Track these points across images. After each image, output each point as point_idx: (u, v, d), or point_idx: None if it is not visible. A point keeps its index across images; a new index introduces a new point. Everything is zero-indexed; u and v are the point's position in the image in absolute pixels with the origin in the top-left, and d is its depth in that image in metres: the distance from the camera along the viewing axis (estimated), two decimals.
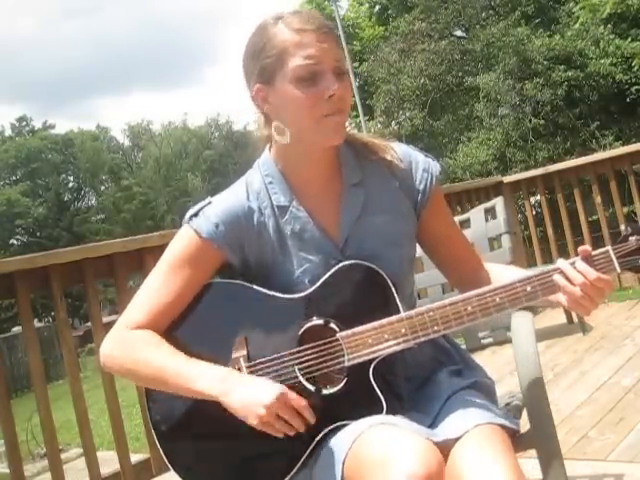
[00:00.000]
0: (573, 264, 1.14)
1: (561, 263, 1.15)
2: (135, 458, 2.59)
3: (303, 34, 1.15)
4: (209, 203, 1.25)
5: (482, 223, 1.93)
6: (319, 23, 1.17)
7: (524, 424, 1.30)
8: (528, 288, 1.15)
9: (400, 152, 1.29)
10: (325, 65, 1.15)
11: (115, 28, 72.26)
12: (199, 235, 1.22)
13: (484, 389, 1.28)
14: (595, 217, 5.41)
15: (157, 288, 1.23)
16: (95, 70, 69.06)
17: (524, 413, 1.34)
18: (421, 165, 1.29)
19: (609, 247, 1.14)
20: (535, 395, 1.28)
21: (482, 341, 1.87)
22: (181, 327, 1.23)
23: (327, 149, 1.24)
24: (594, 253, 1.14)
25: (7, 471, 2.27)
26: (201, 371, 1.14)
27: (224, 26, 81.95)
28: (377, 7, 20.10)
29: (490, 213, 1.94)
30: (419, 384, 1.26)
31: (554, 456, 1.27)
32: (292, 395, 1.11)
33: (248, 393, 1.10)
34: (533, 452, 1.27)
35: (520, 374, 1.31)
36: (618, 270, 1.14)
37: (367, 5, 20.49)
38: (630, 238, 1.14)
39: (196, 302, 1.24)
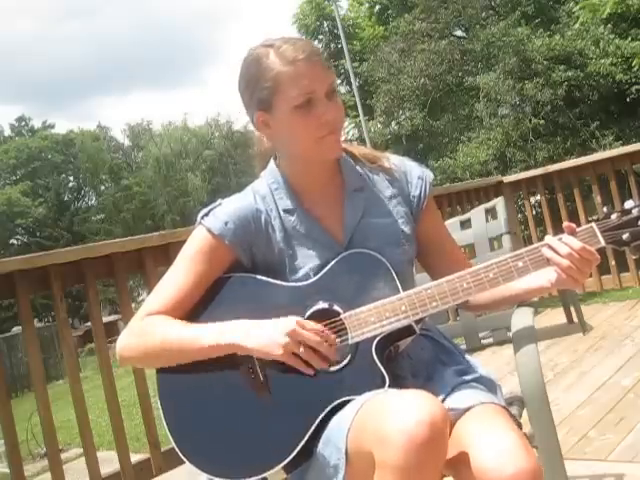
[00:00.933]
0: (560, 239, 1.22)
1: (548, 238, 1.23)
2: (135, 458, 2.59)
3: (295, 65, 1.22)
4: (219, 204, 1.33)
5: (483, 223, 1.93)
6: (309, 50, 1.24)
7: (524, 424, 1.30)
8: (520, 263, 1.22)
9: (395, 161, 1.39)
10: (318, 92, 1.23)
11: (115, 28, 72.34)
12: (210, 233, 1.29)
13: (487, 384, 1.31)
14: (595, 217, 5.40)
15: (171, 283, 1.30)
16: (95, 70, 69.17)
17: (524, 413, 1.35)
18: (415, 173, 1.38)
19: (593, 223, 1.23)
20: (535, 395, 1.28)
21: (482, 341, 1.87)
22: (192, 316, 1.29)
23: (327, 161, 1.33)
24: (579, 229, 1.22)
25: (7, 471, 2.27)
26: (216, 328, 1.22)
27: (224, 26, 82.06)
28: (377, 7, 20.13)
29: (491, 213, 1.94)
30: (424, 380, 1.29)
31: (554, 456, 1.27)
32: (309, 322, 1.19)
33: (267, 329, 1.18)
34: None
35: (520, 374, 1.31)
36: (602, 243, 1.21)
37: (367, 5, 20.51)
38: (612, 215, 1.22)
39: (207, 294, 1.30)
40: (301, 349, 1.16)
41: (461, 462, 1.08)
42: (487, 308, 1.42)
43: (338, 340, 1.21)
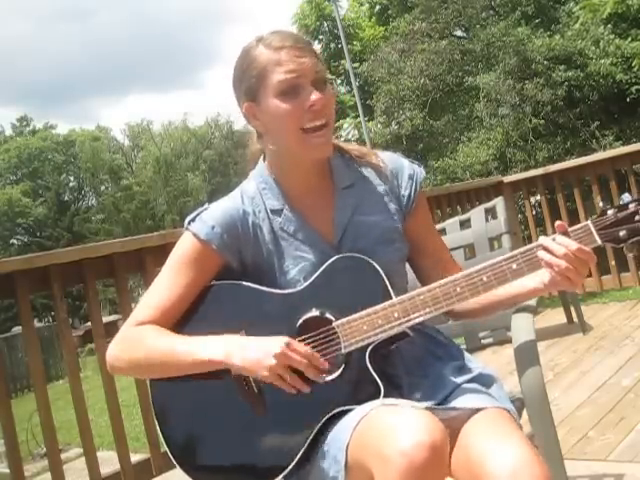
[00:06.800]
0: (554, 239, 1.18)
1: (542, 239, 1.19)
2: (135, 458, 2.59)
3: (281, 51, 1.21)
4: (206, 209, 1.30)
5: (482, 223, 1.93)
6: (296, 39, 1.24)
7: (524, 424, 1.30)
8: (514, 265, 1.19)
9: (386, 158, 1.35)
10: (304, 78, 1.21)
11: (115, 28, 72.30)
12: (197, 238, 1.27)
13: (487, 381, 1.30)
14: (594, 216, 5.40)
15: (159, 290, 1.28)
16: (95, 71, 69.12)
17: (524, 413, 1.34)
18: (406, 171, 1.35)
19: (588, 221, 1.18)
20: (535, 395, 1.28)
21: (482, 341, 1.87)
22: (182, 325, 1.27)
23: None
24: (575, 227, 1.19)
25: (7, 471, 2.26)
26: (204, 341, 1.20)
27: (224, 26, 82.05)
28: (377, 7, 20.10)
29: (491, 213, 1.95)
30: (420, 377, 1.28)
31: (554, 456, 1.27)
32: (299, 344, 1.16)
33: (255, 348, 1.15)
34: None
35: (520, 374, 1.31)
36: (599, 241, 1.17)
37: (367, 5, 20.49)
38: (608, 212, 1.18)
39: (196, 302, 1.27)
40: (286, 374, 1.14)
41: (470, 472, 1.07)
42: (478, 314, 1.37)
43: (330, 354, 1.19)
